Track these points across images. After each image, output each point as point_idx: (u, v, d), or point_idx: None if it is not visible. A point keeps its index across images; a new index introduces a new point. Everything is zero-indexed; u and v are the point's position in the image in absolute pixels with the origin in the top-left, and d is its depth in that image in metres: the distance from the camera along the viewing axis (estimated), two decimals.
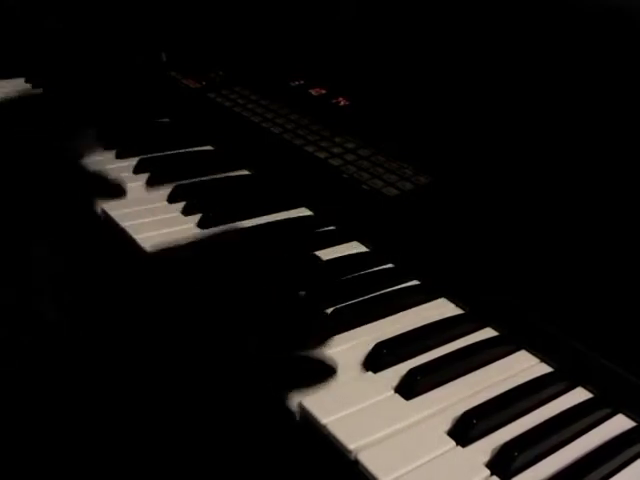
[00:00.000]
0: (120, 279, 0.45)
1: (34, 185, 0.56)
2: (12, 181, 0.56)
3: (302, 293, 0.54)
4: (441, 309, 0.57)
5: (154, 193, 0.70)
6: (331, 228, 0.67)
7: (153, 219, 0.65)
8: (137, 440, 0.45)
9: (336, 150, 0.75)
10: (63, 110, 0.80)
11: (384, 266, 0.62)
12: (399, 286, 0.59)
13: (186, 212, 0.67)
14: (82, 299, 0.44)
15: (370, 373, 0.49)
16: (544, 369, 0.52)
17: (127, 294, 0.44)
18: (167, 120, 0.90)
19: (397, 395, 0.48)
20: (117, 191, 0.67)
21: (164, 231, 0.64)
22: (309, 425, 0.45)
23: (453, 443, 0.44)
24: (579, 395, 0.50)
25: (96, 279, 0.45)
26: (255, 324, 0.45)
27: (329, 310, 0.54)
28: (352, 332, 0.53)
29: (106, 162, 0.75)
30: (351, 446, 0.43)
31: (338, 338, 0.52)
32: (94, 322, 0.43)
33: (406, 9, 0.82)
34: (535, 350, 0.53)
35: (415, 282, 0.60)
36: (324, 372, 0.47)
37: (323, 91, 0.89)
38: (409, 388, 0.48)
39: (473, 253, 0.59)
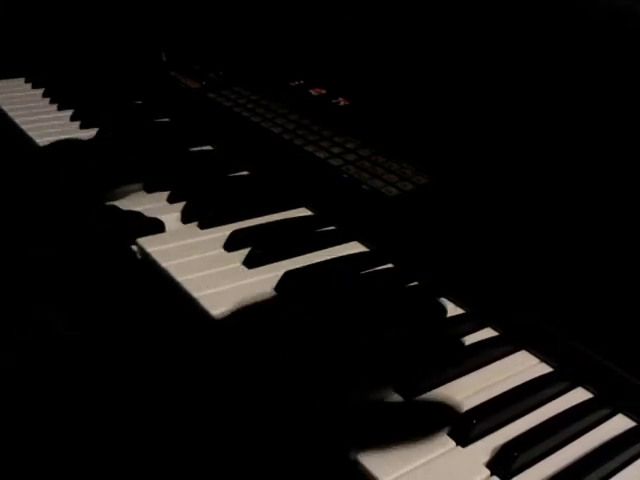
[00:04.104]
0: (123, 286, 0.45)
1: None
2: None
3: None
4: None
5: (154, 193, 0.70)
6: (331, 228, 0.67)
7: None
8: (138, 441, 0.45)
9: (336, 150, 0.75)
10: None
11: (384, 266, 0.62)
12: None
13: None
14: (99, 315, 0.44)
15: None
16: (544, 369, 0.52)
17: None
18: (167, 120, 0.90)
19: (397, 395, 0.48)
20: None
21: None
22: (309, 425, 0.45)
23: (453, 443, 0.44)
24: (579, 395, 0.50)
25: (107, 286, 0.45)
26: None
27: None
28: None
29: None
30: None
31: None
32: (113, 339, 0.43)
33: (406, 9, 0.82)
34: (535, 350, 0.53)
35: (415, 282, 0.60)
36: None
37: (323, 91, 0.89)
38: (409, 388, 0.48)
39: (473, 253, 0.59)
